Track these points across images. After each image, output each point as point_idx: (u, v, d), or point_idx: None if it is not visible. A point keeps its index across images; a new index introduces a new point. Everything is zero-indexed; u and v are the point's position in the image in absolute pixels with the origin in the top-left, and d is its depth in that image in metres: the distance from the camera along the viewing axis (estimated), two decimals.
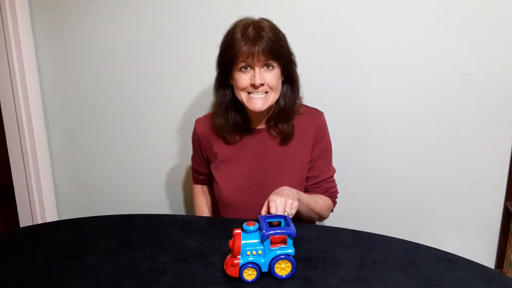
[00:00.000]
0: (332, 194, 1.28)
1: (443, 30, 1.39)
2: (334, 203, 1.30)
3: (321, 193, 1.26)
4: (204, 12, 1.51)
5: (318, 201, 1.21)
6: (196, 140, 1.31)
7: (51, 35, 1.68)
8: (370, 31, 1.43)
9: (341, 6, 1.42)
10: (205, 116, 1.31)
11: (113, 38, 1.62)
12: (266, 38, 1.08)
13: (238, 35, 1.09)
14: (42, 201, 1.82)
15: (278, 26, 1.15)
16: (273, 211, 0.99)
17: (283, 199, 1.01)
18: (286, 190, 1.08)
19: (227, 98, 1.20)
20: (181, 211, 1.78)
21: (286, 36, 1.17)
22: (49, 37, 1.69)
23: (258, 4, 1.45)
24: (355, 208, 1.59)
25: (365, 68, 1.46)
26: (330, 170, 1.28)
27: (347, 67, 1.47)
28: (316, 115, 1.25)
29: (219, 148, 1.25)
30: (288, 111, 1.19)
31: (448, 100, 1.44)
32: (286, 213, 1.00)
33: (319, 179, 1.25)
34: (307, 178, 1.24)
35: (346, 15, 1.43)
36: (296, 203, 1.04)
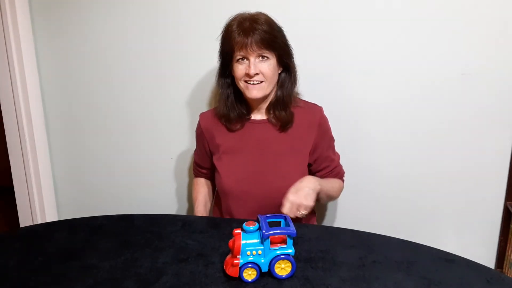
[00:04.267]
0: (342, 175, 1.38)
1: (443, 30, 1.38)
2: (343, 182, 1.39)
3: (334, 177, 1.34)
4: (204, 11, 1.51)
5: (334, 186, 1.31)
6: (200, 133, 1.35)
7: (51, 35, 1.68)
8: (369, 30, 1.43)
9: (341, 4, 1.42)
10: (208, 111, 1.36)
11: (113, 37, 1.62)
12: (259, 30, 1.14)
13: (234, 27, 1.17)
14: (42, 201, 1.82)
15: (275, 20, 1.20)
16: (284, 211, 1.07)
17: (298, 203, 1.09)
18: (306, 187, 1.13)
19: (229, 88, 1.26)
20: (181, 211, 1.78)
21: (283, 30, 1.21)
22: (49, 37, 1.69)
23: (257, 1, 1.45)
24: (355, 208, 1.58)
25: (364, 67, 1.46)
26: (336, 156, 1.36)
27: (346, 66, 1.47)
28: (316, 109, 1.30)
29: (222, 139, 1.30)
30: (285, 99, 1.25)
31: (448, 100, 1.44)
32: (298, 213, 1.09)
33: (332, 166, 1.33)
34: (322, 169, 1.31)
35: (345, 14, 1.43)
36: (311, 204, 1.11)
